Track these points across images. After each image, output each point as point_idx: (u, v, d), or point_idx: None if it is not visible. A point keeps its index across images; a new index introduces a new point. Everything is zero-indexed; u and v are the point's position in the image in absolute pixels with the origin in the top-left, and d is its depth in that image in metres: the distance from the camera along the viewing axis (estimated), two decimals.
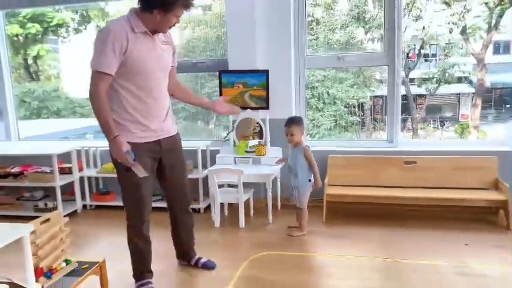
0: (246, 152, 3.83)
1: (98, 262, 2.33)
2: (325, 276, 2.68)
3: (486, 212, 3.55)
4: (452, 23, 9.45)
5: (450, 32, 9.78)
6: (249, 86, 3.78)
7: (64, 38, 10.74)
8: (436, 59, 11.28)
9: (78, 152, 4.04)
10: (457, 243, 3.05)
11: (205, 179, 3.76)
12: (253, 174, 3.52)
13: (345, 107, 9.29)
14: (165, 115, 2.35)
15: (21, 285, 1.82)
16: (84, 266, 2.28)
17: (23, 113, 7.32)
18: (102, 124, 2.11)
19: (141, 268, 2.47)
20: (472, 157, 3.57)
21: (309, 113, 7.99)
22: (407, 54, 10.42)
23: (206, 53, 9.24)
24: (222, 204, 3.66)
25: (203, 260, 2.74)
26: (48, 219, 2.16)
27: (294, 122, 3.16)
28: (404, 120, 10.94)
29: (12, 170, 3.97)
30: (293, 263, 2.82)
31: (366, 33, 9.21)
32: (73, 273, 2.19)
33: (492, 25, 8.98)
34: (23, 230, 1.83)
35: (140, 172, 2.19)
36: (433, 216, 3.56)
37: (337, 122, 9.14)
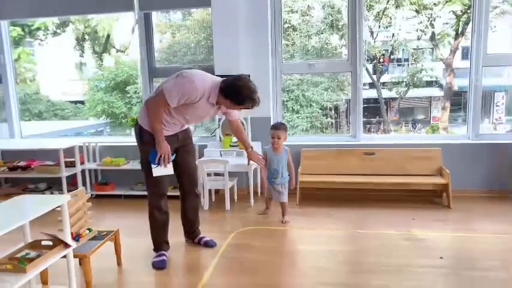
0: (230, 145, 4.50)
1: (113, 231, 2.96)
2: (298, 243, 3.39)
3: (432, 194, 4.36)
4: (420, 30, 10.14)
5: (418, 39, 10.57)
6: None
7: (41, 40, 11.09)
8: (408, 64, 12.00)
9: (80, 147, 4.61)
10: (406, 218, 3.81)
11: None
12: (237, 165, 4.20)
13: (321, 109, 10.01)
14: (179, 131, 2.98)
15: (63, 240, 2.42)
16: (103, 233, 2.90)
17: (4, 115, 7.71)
18: (155, 129, 2.72)
19: (159, 239, 3.02)
20: (421, 149, 4.37)
21: (286, 114, 8.69)
22: (379, 59, 11.18)
23: (187, 57, 9.85)
24: (210, 191, 4.32)
25: (205, 239, 3.26)
26: (75, 195, 2.78)
27: (282, 126, 3.66)
28: (378, 123, 11.71)
29: (19, 164, 4.51)
30: (272, 234, 3.51)
31: (340, 39, 9.93)
32: (94, 239, 2.82)
33: (459, 32, 9.72)
34: (63, 199, 2.44)
35: (167, 170, 2.81)
36: (388, 198, 4.33)
37: (313, 124, 9.85)
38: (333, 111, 10.64)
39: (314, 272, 2.80)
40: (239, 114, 3.09)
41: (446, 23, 10.13)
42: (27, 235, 2.49)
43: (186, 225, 3.30)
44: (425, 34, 10.14)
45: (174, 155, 2.86)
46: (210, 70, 4.64)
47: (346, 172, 4.39)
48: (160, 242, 3.04)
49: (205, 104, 2.72)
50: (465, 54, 12.26)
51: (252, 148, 3.26)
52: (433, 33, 10.00)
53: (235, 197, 4.47)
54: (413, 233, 3.44)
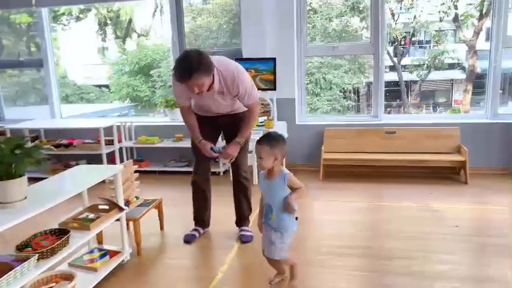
0: (257, 125, 4.79)
1: (157, 199, 3.32)
2: (321, 213, 3.70)
3: (450, 172, 4.61)
4: (443, 11, 10.13)
5: (441, 21, 10.57)
6: (260, 71, 4.75)
7: (65, 25, 11.48)
8: (430, 46, 11.99)
9: (117, 127, 4.99)
10: (424, 192, 4.08)
11: None
12: None
13: (341, 92, 10.19)
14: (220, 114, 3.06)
15: (117, 205, 2.78)
16: (148, 201, 3.26)
17: (34, 98, 8.13)
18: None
19: (196, 214, 3.27)
20: (440, 128, 4.59)
21: (307, 97, 8.92)
22: (400, 41, 11.23)
23: (209, 40, 10.09)
24: None
25: (242, 233, 3.15)
26: (124, 166, 3.13)
27: (265, 141, 2.23)
28: (398, 106, 11.81)
29: (62, 142, 4.92)
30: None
31: (361, 21, 10.03)
32: (141, 206, 3.17)
33: (483, 12, 9.60)
34: (117, 169, 2.80)
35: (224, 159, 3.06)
36: (407, 175, 4.60)
37: (333, 106, 10.05)
38: (352, 94, 10.81)
39: (336, 237, 3.12)
40: (248, 101, 2.84)
41: (470, 4, 10.09)
42: (85, 200, 2.86)
43: (235, 211, 3.28)
44: (448, 15, 10.13)
45: (218, 149, 2.97)
46: (233, 53, 4.96)
47: (368, 150, 4.66)
48: (196, 217, 3.25)
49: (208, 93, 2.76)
50: (489, 36, 12.06)
51: (239, 143, 2.92)
52: (456, 14, 9.98)
53: None
54: (431, 205, 3.72)
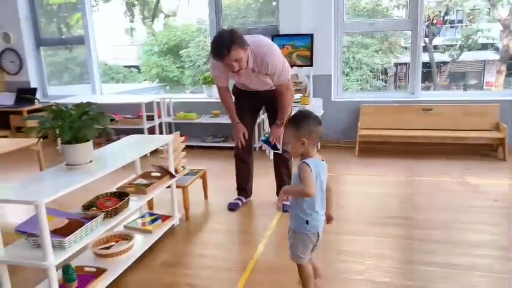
0: (293, 102, 4.86)
1: (202, 169, 3.47)
2: (357, 186, 3.78)
3: (488, 149, 4.61)
4: None
5: None
6: (296, 48, 4.80)
7: (93, 6, 11.68)
8: (462, 26, 11.68)
9: (157, 103, 5.15)
10: (461, 168, 4.12)
11: (261, 123, 4.84)
12: None
13: (371, 71, 10.11)
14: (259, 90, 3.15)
15: (169, 172, 2.93)
16: (194, 171, 3.42)
17: (66, 78, 8.38)
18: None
19: (239, 183, 3.42)
20: (478, 104, 4.57)
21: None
22: (432, 20, 10.98)
23: (244, 19, 10.11)
24: None
25: (284, 202, 3.39)
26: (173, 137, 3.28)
27: (288, 123, 1.95)
28: (427, 88, 11.64)
29: None
30: (333, 179, 3.91)
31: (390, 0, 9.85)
32: (187, 175, 3.33)
33: None
34: (168, 138, 2.95)
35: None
36: (444, 151, 4.63)
37: (363, 87, 10.00)
38: (381, 75, 10.70)
39: (375, 208, 3.21)
40: (277, 80, 2.87)
41: None
42: (138, 168, 3.03)
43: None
44: None
45: (266, 137, 3.12)
46: (270, 30, 5.03)
47: (404, 127, 4.69)
48: (239, 187, 3.41)
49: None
50: None
51: (280, 124, 2.98)
52: None
53: None
54: (469, 180, 3.75)
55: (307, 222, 1.90)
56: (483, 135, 4.43)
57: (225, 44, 2.59)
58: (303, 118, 1.89)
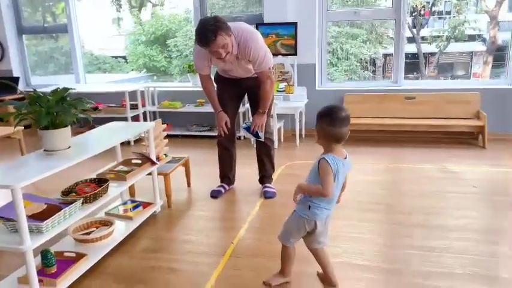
0: (278, 91, 4.89)
1: (185, 157, 3.48)
2: None
3: (468, 137, 4.70)
4: None
5: None
6: (281, 36, 4.81)
7: None
8: (449, 17, 11.75)
9: (142, 92, 5.13)
10: (442, 155, 4.18)
11: (245, 113, 4.86)
12: (284, 107, 4.61)
13: (358, 62, 10.15)
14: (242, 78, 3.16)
15: (150, 158, 2.94)
16: (177, 159, 3.43)
17: (52, 68, 8.28)
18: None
19: (221, 171, 3.44)
20: (460, 93, 4.64)
21: None
22: (420, 11, 11.03)
23: (228, 9, 10.02)
24: None
25: (266, 189, 3.32)
26: (155, 124, 3.28)
27: (318, 116, 1.92)
28: (416, 79, 11.72)
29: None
30: None
31: None
32: (170, 162, 3.34)
33: None
34: (149, 125, 2.95)
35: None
36: (426, 139, 4.71)
37: (350, 77, 10.04)
38: (369, 65, 10.75)
39: (356, 194, 3.26)
40: (258, 67, 2.89)
41: None
42: (119, 155, 3.03)
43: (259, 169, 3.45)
44: None
45: (248, 125, 3.16)
46: (255, 19, 5.03)
47: (387, 116, 4.74)
48: (222, 174, 3.43)
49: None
50: None
51: (262, 113, 3.06)
52: None
53: (282, 138, 4.93)
54: (449, 167, 3.82)
55: (309, 207, 1.93)
56: (464, 123, 4.51)
57: (210, 29, 2.60)
58: (320, 114, 1.90)
